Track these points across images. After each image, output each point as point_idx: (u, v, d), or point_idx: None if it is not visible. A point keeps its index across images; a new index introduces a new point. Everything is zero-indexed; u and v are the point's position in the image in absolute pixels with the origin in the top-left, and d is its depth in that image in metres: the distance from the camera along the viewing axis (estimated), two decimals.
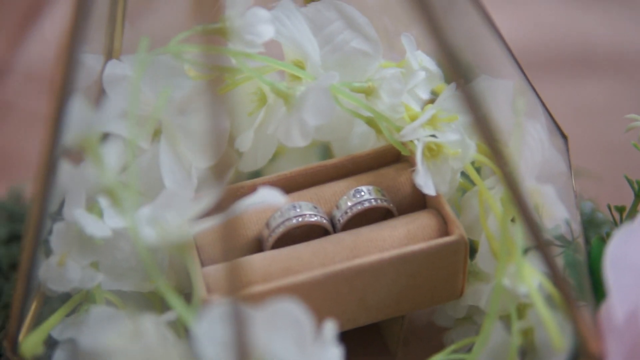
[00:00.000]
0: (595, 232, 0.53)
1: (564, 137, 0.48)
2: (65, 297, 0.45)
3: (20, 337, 0.42)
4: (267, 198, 0.41)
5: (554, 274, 0.36)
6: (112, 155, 0.39)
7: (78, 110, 0.37)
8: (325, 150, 0.53)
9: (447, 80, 0.49)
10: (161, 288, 0.38)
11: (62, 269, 0.43)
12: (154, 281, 0.45)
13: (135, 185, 0.40)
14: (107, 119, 0.38)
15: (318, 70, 0.45)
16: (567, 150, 0.47)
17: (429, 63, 0.48)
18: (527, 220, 0.36)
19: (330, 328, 0.38)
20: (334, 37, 0.46)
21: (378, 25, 0.49)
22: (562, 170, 0.45)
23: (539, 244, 0.36)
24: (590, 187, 0.59)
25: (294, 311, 0.37)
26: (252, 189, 0.45)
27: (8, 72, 0.79)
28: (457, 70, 0.34)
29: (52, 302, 0.45)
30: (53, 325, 0.43)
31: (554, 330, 0.39)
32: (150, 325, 0.39)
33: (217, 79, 0.44)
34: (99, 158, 0.38)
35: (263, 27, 0.43)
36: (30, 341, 0.42)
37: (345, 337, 0.46)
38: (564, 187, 0.45)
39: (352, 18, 0.46)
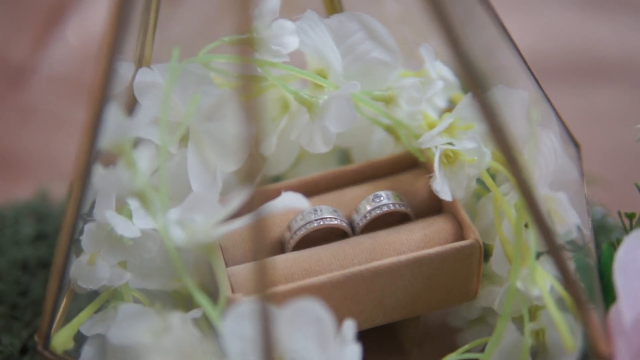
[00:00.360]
0: (605, 237, 0.54)
1: (577, 145, 0.49)
2: (93, 295, 0.46)
3: (52, 333, 0.44)
4: (291, 202, 0.42)
5: (565, 278, 0.38)
6: (143, 159, 0.41)
7: (113, 116, 0.39)
8: (345, 156, 0.55)
9: (464, 90, 0.51)
10: (188, 286, 0.40)
11: (92, 267, 0.45)
12: (180, 280, 0.47)
13: (165, 189, 0.41)
14: (140, 125, 0.40)
15: (340, 79, 0.47)
16: (580, 158, 0.49)
17: (447, 73, 0.50)
18: (540, 225, 0.37)
19: (350, 327, 0.40)
20: (356, 48, 0.48)
21: (397, 36, 0.50)
22: (575, 177, 0.47)
23: (551, 248, 0.37)
24: (602, 193, 0.60)
25: (316, 309, 0.38)
26: (276, 193, 0.47)
27: (32, 75, 0.81)
28: (473, 80, 0.35)
29: (79, 300, 0.47)
30: (82, 321, 0.44)
31: (565, 331, 0.40)
32: (178, 321, 0.41)
33: (245, 87, 0.46)
34: (132, 162, 0.40)
35: (289, 38, 0.45)
36: (60, 336, 0.43)
37: (361, 337, 0.47)
38: (576, 193, 0.47)
39: (373, 29, 0.48)
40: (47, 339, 0.43)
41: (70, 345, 0.44)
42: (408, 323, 0.49)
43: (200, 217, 0.41)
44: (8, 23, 0.86)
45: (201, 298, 0.40)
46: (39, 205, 0.62)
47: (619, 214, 0.48)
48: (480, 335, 0.48)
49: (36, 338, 0.43)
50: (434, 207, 0.48)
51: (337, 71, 0.47)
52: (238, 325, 0.38)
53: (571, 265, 0.43)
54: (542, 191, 0.43)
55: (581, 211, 0.46)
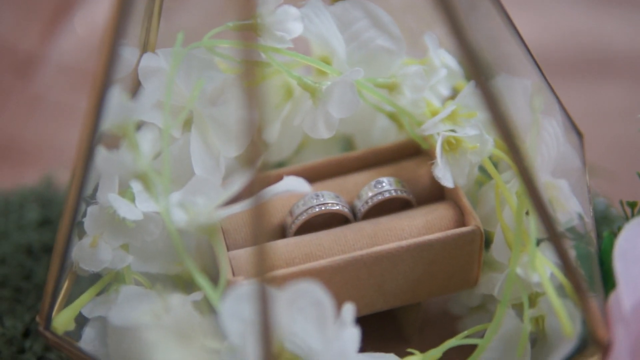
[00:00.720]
0: (608, 227, 0.54)
1: (580, 134, 0.49)
2: (95, 278, 0.47)
3: (53, 314, 0.44)
4: (293, 187, 0.43)
5: (565, 265, 0.38)
6: (146, 142, 0.41)
7: (116, 99, 0.39)
8: (348, 143, 0.55)
9: (468, 78, 0.51)
10: (189, 268, 0.40)
11: (94, 250, 0.45)
12: (181, 264, 0.47)
13: (167, 172, 0.41)
14: (143, 108, 0.40)
15: (344, 66, 0.47)
16: (582, 147, 0.49)
17: (451, 61, 0.50)
18: (540, 212, 0.37)
19: (349, 310, 0.40)
20: (360, 35, 0.48)
21: (402, 24, 0.50)
22: (577, 166, 0.47)
23: (552, 235, 0.37)
24: (606, 185, 0.60)
25: (316, 292, 0.39)
26: (278, 179, 0.47)
27: (39, 64, 0.82)
28: (476, 68, 0.36)
29: (82, 282, 0.47)
30: (84, 303, 0.45)
31: (564, 318, 0.40)
32: (178, 302, 0.41)
33: (248, 73, 0.46)
34: (135, 145, 0.40)
35: (293, 24, 0.45)
36: (62, 318, 0.44)
37: (362, 323, 0.48)
38: (578, 182, 0.47)
39: (377, 17, 0.48)
40: (48, 320, 0.43)
41: (72, 326, 0.44)
42: (409, 309, 0.49)
43: (202, 200, 0.41)
44: (17, 13, 0.87)
45: (201, 280, 0.40)
46: (44, 191, 0.63)
47: (621, 203, 0.48)
48: (481, 322, 0.48)
49: (38, 319, 0.43)
50: (436, 194, 0.48)
51: (341, 58, 0.47)
52: (237, 307, 0.38)
53: (572, 252, 0.43)
54: (544, 178, 0.43)
55: (583, 199, 0.46)
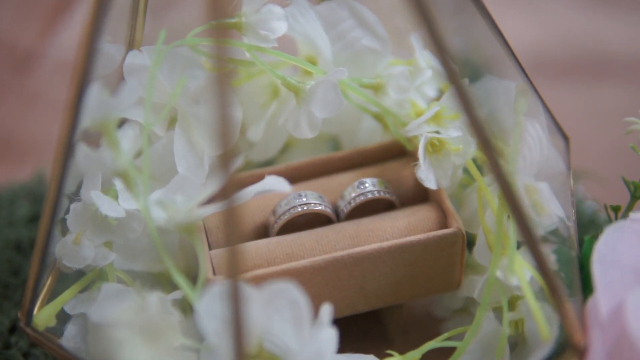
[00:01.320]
0: (596, 231, 0.54)
1: (565, 138, 0.49)
2: (79, 275, 0.47)
3: (36, 310, 0.44)
4: (273, 186, 0.43)
5: (542, 269, 0.38)
6: (127, 140, 0.41)
7: (96, 95, 0.39)
8: (336, 144, 0.55)
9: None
10: (168, 266, 0.40)
11: (77, 246, 0.45)
12: (162, 262, 0.47)
13: (149, 170, 0.42)
14: (123, 105, 0.40)
15: (329, 66, 0.47)
16: (568, 150, 0.48)
17: (436, 62, 0.50)
18: (516, 216, 0.37)
19: (327, 311, 0.40)
20: (346, 35, 0.48)
21: (389, 24, 0.50)
22: (561, 169, 0.47)
23: (528, 239, 0.37)
24: (600, 188, 0.60)
25: (292, 292, 0.39)
26: (261, 178, 0.47)
27: (39, 61, 0.82)
28: (450, 70, 0.35)
29: (67, 279, 0.47)
30: (66, 300, 0.45)
31: (541, 321, 0.40)
32: (156, 300, 0.41)
33: (230, 72, 0.46)
34: (115, 142, 0.40)
35: (277, 23, 0.45)
36: (43, 314, 0.44)
37: (346, 324, 0.48)
38: (562, 185, 0.47)
39: (363, 17, 0.48)
40: (29, 316, 0.43)
41: (53, 323, 0.44)
42: (392, 311, 0.49)
43: (181, 198, 0.41)
44: (17, 9, 0.87)
45: (179, 278, 0.40)
46: (36, 188, 0.63)
47: (605, 207, 0.48)
48: (463, 324, 0.47)
49: (19, 315, 0.44)
50: (420, 195, 0.48)
51: (326, 58, 0.47)
52: (214, 305, 0.38)
53: (552, 256, 0.43)
54: (526, 181, 0.43)
55: (566, 203, 0.46)
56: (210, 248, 0.46)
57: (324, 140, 0.54)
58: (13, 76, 0.81)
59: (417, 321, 0.51)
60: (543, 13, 0.83)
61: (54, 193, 0.40)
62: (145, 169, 0.41)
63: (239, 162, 0.43)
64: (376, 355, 0.45)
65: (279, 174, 0.48)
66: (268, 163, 0.54)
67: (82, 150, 0.41)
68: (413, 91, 0.48)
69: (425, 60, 0.48)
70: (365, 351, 0.46)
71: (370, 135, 0.51)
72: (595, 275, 0.40)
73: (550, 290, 0.39)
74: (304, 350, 0.39)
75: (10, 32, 0.85)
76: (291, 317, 0.39)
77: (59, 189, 0.40)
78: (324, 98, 0.45)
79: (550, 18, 0.83)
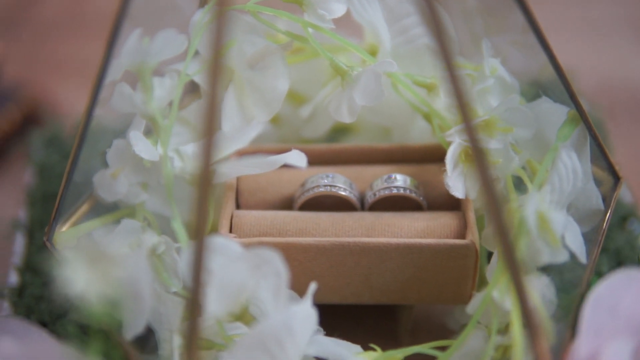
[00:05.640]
0: None
1: (617, 177, 0.47)
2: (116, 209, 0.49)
3: (61, 229, 0.47)
4: (293, 160, 0.44)
5: (520, 300, 0.37)
6: (162, 87, 0.43)
7: (135, 40, 0.41)
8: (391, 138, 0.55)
9: (524, 94, 0.50)
10: (172, 212, 0.42)
11: (112, 180, 0.47)
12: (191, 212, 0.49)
13: (173, 118, 0.43)
14: (158, 52, 0.42)
15: (386, 56, 0.47)
16: (615, 190, 0.46)
17: (505, 73, 0.48)
18: (501, 240, 0.36)
19: (311, 289, 0.40)
20: (409, 30, 0.48)
21: (473, 26, 0.50)
22: (597, 208, 0.45)
23: (511, 266, 0.36)
24: None
25: (276, 262, 0.39)
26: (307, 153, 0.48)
27: None
28: (445, 51, 0.34)
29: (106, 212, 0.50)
30: (89, 228, 0.47)
31: (519, 350, 0.39)
32: (161, 242, 0.43)
33: (287, 45, 0.47)
34: (149, 87, 0.42)
35: (335, 4, 0.46)
36: (64, 234, 0.47)
37: (361, 319, 0.48)
38: (592, 223, 0.45)
39: None
40: (51, 232, 0.46)
41: (72, 244, 0.47)
42: (403, 311, 0.49)
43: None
44: None
45: (177, 224, 0.42)
46: None
47: None
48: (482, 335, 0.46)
49: (46, 229, 0.47)
50: (451, 202, 0.47)
51: (385, 49, 0.47)
52: (207, 257, 0.39)
53: (550, 288, 0.41)
54: (540, 207, 0.41)
55: (593, 242, 0.44)
56: (237, 208, 0.48)
57: (385, 132, 0.54)
58: None
59: (430, 329, 0.50)
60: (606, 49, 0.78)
61: (84, 123, 0.42)
62: (172, 118, 0.43)
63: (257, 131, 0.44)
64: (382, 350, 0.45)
65: (321, 153, 0.49)
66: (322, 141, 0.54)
67: (118, 88, 0.43)
68: (474, 97, 0.47)
69: (490, 68, 0.47)
70: (374, 344, 0.45)
71: (421, 135, 0.51)
72: (585, 316, 0.39)
73: (527, 323, 0.37)
74: (275, 319, 0.40)
75: None
76: (272, 286, 0.40)
77: (89, 118, 0.42)
78: (365, 86, 0.45)
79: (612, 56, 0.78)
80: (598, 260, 0.50)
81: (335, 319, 0.48)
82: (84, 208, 0.49)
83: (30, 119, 0.71)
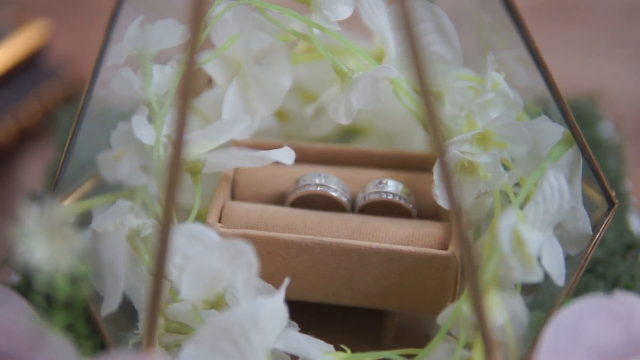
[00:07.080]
0: None
1: (612, 203, 0.46)
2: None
3: (62, 203, 0.49)
4: (281, 157, 0.44)
5: (479, 319, 0.37)
6: (162, 74, 0.44)
7: (135, 27, 0.42)
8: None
9: (526, 110, 0.49)
10: (160, 197, 0.43)
11: (115, 161, 0.49)
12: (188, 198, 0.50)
13: (168, 104, 0.44)
14: (158, 39, 0.43)
15: (392, 62, 0.48)
16: (607, 216, 0.46)
17: (507, 87, 0.48)
18: (464, 253, 0.36)
19: (284, 285, 0.41)
20: (419, 37, 0.48)
21: (483, 38, 0.50)
22: (585, 232, 0.45)
23: (472, 284, 0.36)
24: None
25: (249, 254, 0.40)
26: (303, 151, 0.49)
27: None
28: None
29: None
30: (92, 205, 0.49)
31: None
32: (148, 224, 0.44)
33: (293, 43, 0.48)
34: (148, 73, 0.44)
35: (341, 7, 0.46)
36: (64, 207, 0.48)
37: (349, 322, 0.48)
38: (581, 246, 0.45)
39: (441, 23, 0.47)
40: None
41: (69, 218, 0.48)
42: (386, 316, 0.49)
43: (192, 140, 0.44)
44: None
45: (159, 207, 0.42)
46: None
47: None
48: (453, 348, 0.46)
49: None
50: (442, 213, 0.47)
51: (390, 53, 0.48)
52: (185, 242, 0.40)
53: (521, 308, 0.41)
54: (515, 225, 0.41)
55: (575, 267, 0.44)
56: (231, 198, 0.49)
57: (394, 138, 0.54)
58: None
59: (415, 337, 0.50)
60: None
61: (85, 94, 0.44)
62: (166, 105, 0.44)
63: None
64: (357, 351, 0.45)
65: (320, 153, 0.50)
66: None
67: (120, 71, 0.44)
68: (475, 109, 0.47)
69: (492, 81, 0.47)
70: (357, 346, 0.46)
71: (424, 142, 0.51)
72: (547, 337, 0.38)
73: (483, 341, 0.37)
74: (241, 309, 0.40)
75: None
76: (244, 277, 0.41)
77: (90, 90, 0.43)
78: (362, 90, 0.45)
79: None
80: (594, 286, 0.50)
81: (325, 318, 0.49)
82: (87, 186, 0.50)
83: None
